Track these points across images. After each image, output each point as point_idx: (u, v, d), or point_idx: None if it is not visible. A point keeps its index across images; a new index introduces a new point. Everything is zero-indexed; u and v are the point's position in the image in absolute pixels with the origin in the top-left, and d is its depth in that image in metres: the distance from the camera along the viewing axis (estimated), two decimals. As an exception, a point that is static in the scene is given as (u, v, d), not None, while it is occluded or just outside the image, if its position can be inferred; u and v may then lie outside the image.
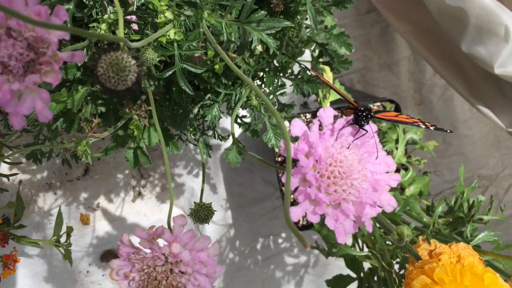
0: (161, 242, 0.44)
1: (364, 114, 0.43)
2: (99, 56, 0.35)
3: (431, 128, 0.46)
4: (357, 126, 0.43)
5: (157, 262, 0.42)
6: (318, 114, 0.41)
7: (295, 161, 0.41)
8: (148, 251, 0.44)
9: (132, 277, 0.43)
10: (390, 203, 0.41)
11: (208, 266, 0.43)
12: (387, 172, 0.42)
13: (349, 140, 0.41)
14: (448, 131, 0.49)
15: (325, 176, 0.40)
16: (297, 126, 0.41)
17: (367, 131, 0.42)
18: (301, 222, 1.02)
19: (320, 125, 0.41)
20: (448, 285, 0.49)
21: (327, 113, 0.41)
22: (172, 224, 0.43)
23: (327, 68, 0.80)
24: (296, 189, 0.40)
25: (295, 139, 0.41)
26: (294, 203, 0.41)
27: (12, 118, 0.35)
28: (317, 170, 0.40)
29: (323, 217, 0.41)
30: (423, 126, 0.45)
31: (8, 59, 0.34)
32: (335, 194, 0.40)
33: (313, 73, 0.51)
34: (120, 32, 0.42)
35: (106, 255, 1.11)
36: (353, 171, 0.40)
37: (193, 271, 0.42)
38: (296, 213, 0.39)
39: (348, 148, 0.41)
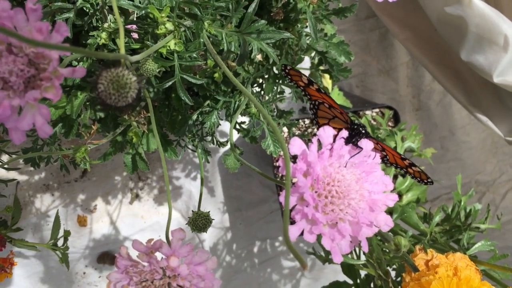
0: (159, 255, 0.44)
1: (357, 132, 0.44)
2: (99, 72, 0.35)
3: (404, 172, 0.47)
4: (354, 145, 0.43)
5: (155, 276, 0.42)
6: (317, 133, 0.41)
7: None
8: (146, 264, 0.44)
9: (130, 290, 0.43)
10: (387, 223, 0.41)
11: (206, 280, 0.43)
12: (384, 192, 0.42)
13: (346, 158, 0.42)
14: (429, 182, 0.50)
15: (323, 196, 0.40)
16: (296, 145, 0.41)
17: (362, 148, 0.43)
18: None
19: (319, 144, 0.41)
20: (444, 299, 0.50)
21: (326, 132, 0.41)
22: (170, 237, 0.43)
23: (326, 76, 0.80)
24: (293, 207, 0.40)
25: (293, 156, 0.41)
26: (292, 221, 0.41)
27: (12, 134, 0.35)
28: (315, 189, 0.40)
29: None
30: (388, 165, 0.46)
31: (8, 75, 0.34)
32: (332, 214, 0.40)
33: (314, 97, 0.51)
34: (121, 44, 0.42)
35: (103, 257, 1.11)
36: (350, 190, 0.40)
37: (191, 285, 0.42)
38: (293, 233, 0.39)
39: (345, 167, 0.41)
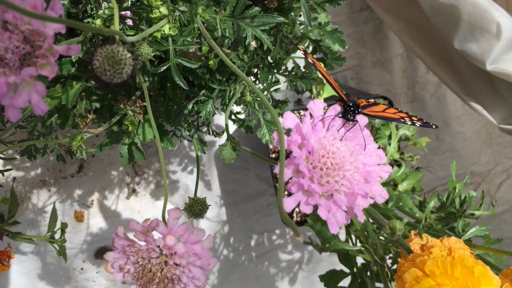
0: (156, 234, 0.44)
1: (352, 109, 0.44)
2: (94, 49, 0.35)
3: (417, 124, 0.46)
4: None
5: (152, 254, 0.43)
6: (308, 106, 0.42)
7: (288, 153, 0.41)
8: (143, 243, 0.44)
9: (127, 269, 0.43)
10: (381, 194, 0.42)
11: (202, 258, 0.43)
12: (379, 164, 0.43)
13: (341, 132, 0.42)
14: (434, 126, 0.49)
15: (318, 167, 0.41)
16: (289, 119, 0.41)
17: (357, 121, 0.43)
18: (295, 218, 1.02)
19: (311, 117, 0.42)
20: (439, 277, 0.50)
21: (317, 105, 0.42)
22: (166, 217, 0.44)
23: (320, 65, 0.80)
24: (289, 180, 0.41)
25: (288, 132, 0.42)
26: (288, 196, 0.42)
27: (8, 111, 0.35)
28: (310, 161, 0.41)
29: (317, 212, 0.42)
30: (409, 123, 0.46)
31: (4, 52, 0.34)
32: (328, 185, 0.40)
33: (310, 60, 0.51)
34: (116, 26, 0.42)
35: (101, 252, 1.12)
36: (345, 162, 0.41)
37: (188, 263, 0.43)
38: (289, 204, 0.39)
39: (340, 140, 0.42)
